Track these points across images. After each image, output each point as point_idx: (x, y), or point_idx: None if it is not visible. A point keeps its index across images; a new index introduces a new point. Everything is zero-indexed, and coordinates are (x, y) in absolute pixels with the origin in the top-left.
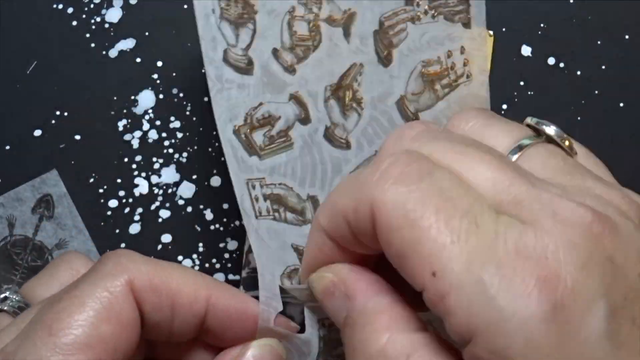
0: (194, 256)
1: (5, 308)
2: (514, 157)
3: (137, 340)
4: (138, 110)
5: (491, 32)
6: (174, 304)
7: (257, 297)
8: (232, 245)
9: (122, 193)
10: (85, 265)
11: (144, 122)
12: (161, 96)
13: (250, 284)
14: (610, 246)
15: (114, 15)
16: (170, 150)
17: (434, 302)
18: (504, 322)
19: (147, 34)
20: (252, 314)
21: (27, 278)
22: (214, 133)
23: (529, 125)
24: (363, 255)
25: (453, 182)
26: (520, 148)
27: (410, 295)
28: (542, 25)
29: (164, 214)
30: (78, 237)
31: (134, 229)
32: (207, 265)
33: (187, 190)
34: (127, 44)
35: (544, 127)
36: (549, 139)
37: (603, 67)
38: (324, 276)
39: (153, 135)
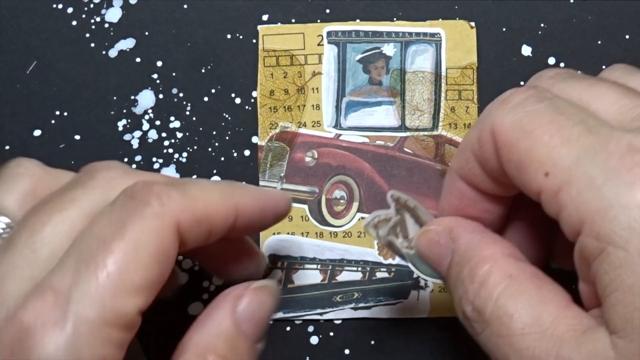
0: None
1: None
2: None
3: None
4: (138, 110)
5: (472, 24)
6: (210, 228)
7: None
8: None
9: None
10: (41, 169)
11: (144, 122)
12: (161, 96)
13: None
14: None
15: (113, 15)
16: (170, 150)
17: (549, 203)
18: (609, 209)
19: (147, 34)
20: (272, 208)
21: None
22: (214, 133)
23: None
24: (493, 201)
25: (573, 104)
26: None
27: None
28: (542, 25)
29: None
30: None
31: None
32: None
33: None
34: (127, 43)
35: None
36: None
37: (603, 67)
38: (429, 229)
39: (153, 135)
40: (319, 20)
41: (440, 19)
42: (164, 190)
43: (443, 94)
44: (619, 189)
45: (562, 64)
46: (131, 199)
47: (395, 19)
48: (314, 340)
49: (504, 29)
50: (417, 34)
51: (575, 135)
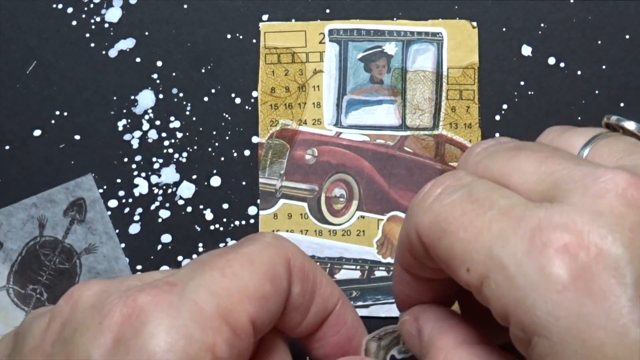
0: (194, 256)
1: None
2: (585, 152)
3: (279, 314)
4: (138, 110)
5: (474, 24)
6: (315, 292)
7: None
8: None
9: (121, 193)
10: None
11: (144, 122)
12: (161, 96)
13: None
14: None
15: (113, 15)
16: (170, 150)
17: (478, 296)
18: (526, 299)
19: (147, 34)
20: (360, 334)
21: (54, 280)
22: (214, 133)
23: (607, 125)
24: (440, 284)
25: (487, 187)
26: (591, 143)
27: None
28: (542, 25)
29: (164, 214)
30: (108, 243)
31: (134, 229)
32: None
33: (187, 190)
34: (127, 43)
35: (624, 123)
36: (627, 133)
37: (603, 67)
38: (403, 320)
39: (153, 135)
40: (319, 20)
41: (440, 19)
42: (283, 237)
43: (444, 94)
44: (531, 275)
45: (562, 64)
46: (250, 235)
47: (395, 18)
48: None
49: (504, 29)
50: (419, 33)
51: (487, 224)
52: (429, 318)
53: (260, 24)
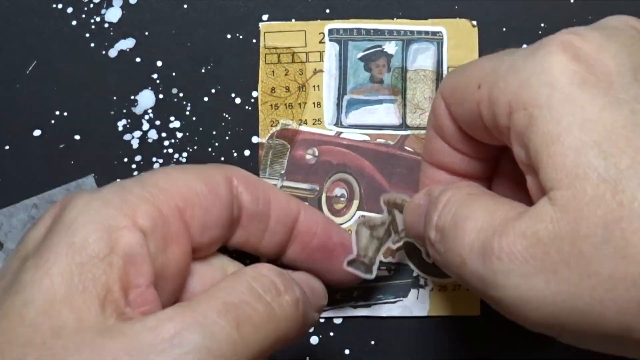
0: (194, 256)
1: None
2: None
3: (227, 223)
4: (138, 110)
5: (474, 23)
6: (270, 200)
7: None
8: None
9: None
10: None
11: (144, 122)
12: (161, 96)
13: None
14: None
15: (113, 15)
16: (170, 150)
17: (485, 109)
18: (530, 78)
19: (147, 34)
20: (335, 239)
21: None
22: (214, 133)
23: None
24: (474, 160)
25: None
26: None
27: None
28: (542, 25)
29: None
30: None
31: None
32: None
33: None
34: (127, 43)
35: None
36: None
37: None
38: (412, 199)
39: (153, 135)
40: (319, 20)
41: (440, 18)
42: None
43: None
44: (537, 61)
45: None
46: None
47: (395, 18)
48: (314, 340)
49: (504, 29)
50: (419, 32)
51: (499, 55)
52: (440, 183)
53: (260, 24)
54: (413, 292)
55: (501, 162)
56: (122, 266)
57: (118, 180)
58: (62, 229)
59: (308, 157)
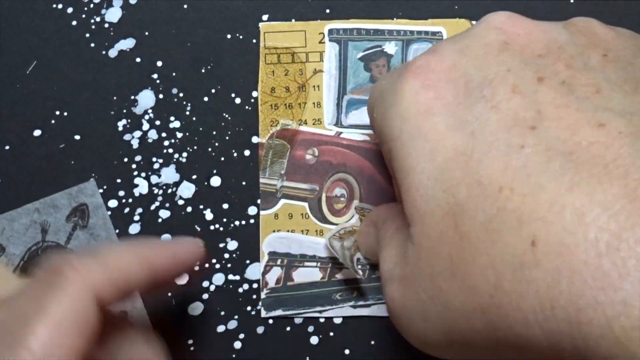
0: None
1: None
2: None
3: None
4: (138, 110)
5: (474, 23)
6: (127, 288)
7: (278, 317)
8: (232, 245)
9: (121, 193)
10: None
11: (144, 122)
12: (161, 96)
13: (270, 305)
14: (518, 34)
15: (113, 15)
16: (170, 150)
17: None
18: (387, 111)
19: (147, 34)
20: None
21: None
22: (214, 133)
23: None
24: None
25: None
26: None
27: None
28: None
29: (164, 214)
30: None
31: (134, 229)
32: (207, 265)
33: (187, 190)
34: (127, 43)
35: None
36: None
37: None
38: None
39: (153, 135)
40: (319, 20)
41: (440, 19)
42: (79, 260)
43: None
44: (396, 90)
45: None
46: (47, 272)
47: (395, 19)
48: (314, 340)
49: None
50: (419, 32)
51: (382, 77)
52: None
53: (260, 24)
54: None
55: None
56: None
57: None
58: None
59: (308, 157)
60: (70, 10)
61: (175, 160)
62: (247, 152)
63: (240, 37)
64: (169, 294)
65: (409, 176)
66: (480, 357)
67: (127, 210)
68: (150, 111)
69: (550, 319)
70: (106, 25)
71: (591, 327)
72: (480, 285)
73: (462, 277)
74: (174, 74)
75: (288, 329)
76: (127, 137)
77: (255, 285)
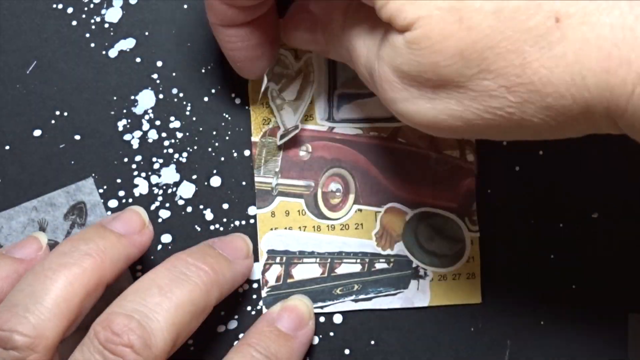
0: None
1: None
2: None
3: None
4: (138, 110)
5: None
6: None
7: None
8: None
9: (122, 193)
10: None
11: (144, 122)
12: (161, 96)
13: (271, 303)
14: None
15: (113, 15)
16: (170, 150)
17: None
18: None
19: (147, 34)
20: None
21: None
22: (214, 133)
23: None
24: None
25: None
26: None
27: None
28: None
29: (164, 214)
30: None
31: None
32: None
33: (187, 190)
34: (127, 43)
35: None
36: None
37: None
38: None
39: (153, 135)
40: None
41: None
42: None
43: None
44: None
45: None
46: None
47: None
48: (314, 340)
49: None
50: None
51: None
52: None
53: None
54: (413, 283)
55: None
56: None
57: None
58: None
59: (302, 153)
60: (70, 10)
61: (175, 160)
62: (247, 152)
63: None
64: None
65: None
66: (495, 135)
67: None
68: (150, 111)
69: (581, 87)
70: (106, 25)
71: (623, 86)
72: (503, 69)
73: (480, 65)
74: (174, 74)
75: None
76: (127, 137)
77: (255, 285)
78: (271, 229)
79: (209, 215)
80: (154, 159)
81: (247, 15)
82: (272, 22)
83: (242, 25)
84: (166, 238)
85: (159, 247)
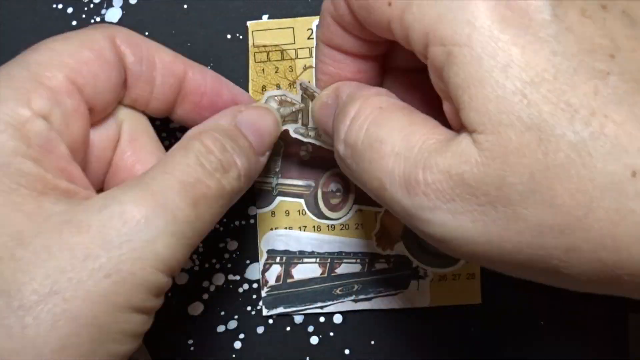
0: (194, 256)
1: None
2: None
3: (115, 84)
4: None
5: None
6: (154, 59)
7: (280, 315)
8: (232, 245)
9: None
10: None
11: None
12: None
13: (271, 303)
14: None
15: (114, 15)
16: None
17: (398, 30)
18: (448, 12)
19: (147, 34)
20: (226, 97)
21: None
22: None
23: None
24: (364, 60)
25: None
26: None
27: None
28: None
29: None
30: None
31: None
32: (207, 265)
33: None
34: None
35: None
36: None
37: None
38: (320, 95)
39: None
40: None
41: None
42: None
43: None
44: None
45: None
46: None
47: None
48: (314, 340)
49: None
50: None
51: None
52: (350, 85)
53: (248, 23)
54: (413, 284)
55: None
56: (43, 154)
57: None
58: None
59: (302, 153)
60: (70, 10)
61: None
62: None
63: (240, 37)
64: (169, 294)
65: (480, 85)
66: (535, 277)
67: None
68: None
69: None
70: None
71: None
72: (566, 206)
73: (544, 194)
74: None
75: (288, 328)
76: None
77: (255, 285)
78: (271, 229)
79: None
80: None
81: (361, 47)
82: (373, 72)
83: (349, 54)
84: None
85: None
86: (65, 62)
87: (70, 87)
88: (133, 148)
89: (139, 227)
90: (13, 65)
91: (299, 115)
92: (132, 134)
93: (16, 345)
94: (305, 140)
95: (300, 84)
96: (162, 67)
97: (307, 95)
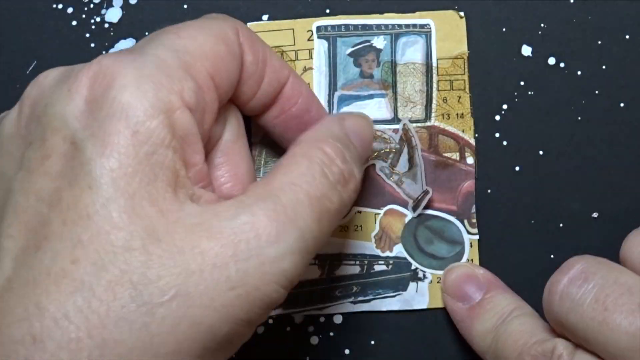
0: None
1: None
2: None
3: (236, 81)
4: None
5: (462, 14)
6: (266, 62)
7: (279, 316)
8: None
9: None
10: None
11: None
12: None
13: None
14: None
15: (114, 15)
16: None
17: None
18: None
19: (147, 34)
20: (314, 112)
21: None
22: None
23: None
24: None
25: None
26: None
27: None
28: (542, 25)
29: None
30: None
31: None
32: None
33: None
34: (127, 44)
35: None
36: None
37: (603, 67)
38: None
39: None
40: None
41: (427, 10)
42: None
43: (435, 85)
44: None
45: (562, 64)
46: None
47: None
48: (314, 340)
49: (504, 29)
50: (407, 25)
51: None
52: None
53: (248, 24)
54: (412, 285)
55: None
56: (181, 148)
57: (141, 43)
58: (117, 114)
59: None
60: (70, 10)
61: None
62: None
63: None
64: None
65: None
66: None
67: None
68: None
69: None
70: (106, 25)
71: None
72: None
73: None
74: None
75: (288, 329)
76: None
77: None
78: None
79: None
80: None
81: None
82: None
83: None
84: None
85: None
86: (207, 56)
87: (210, 84)
88: (233, 149)
89: (269, 242)
90: (159, 47)
91: (390, 155)
92: (235, 134)
93: (136, 342)
94: (387, 181)
95: (404, 125)
96: (271, 71)
97: (406, 138)
